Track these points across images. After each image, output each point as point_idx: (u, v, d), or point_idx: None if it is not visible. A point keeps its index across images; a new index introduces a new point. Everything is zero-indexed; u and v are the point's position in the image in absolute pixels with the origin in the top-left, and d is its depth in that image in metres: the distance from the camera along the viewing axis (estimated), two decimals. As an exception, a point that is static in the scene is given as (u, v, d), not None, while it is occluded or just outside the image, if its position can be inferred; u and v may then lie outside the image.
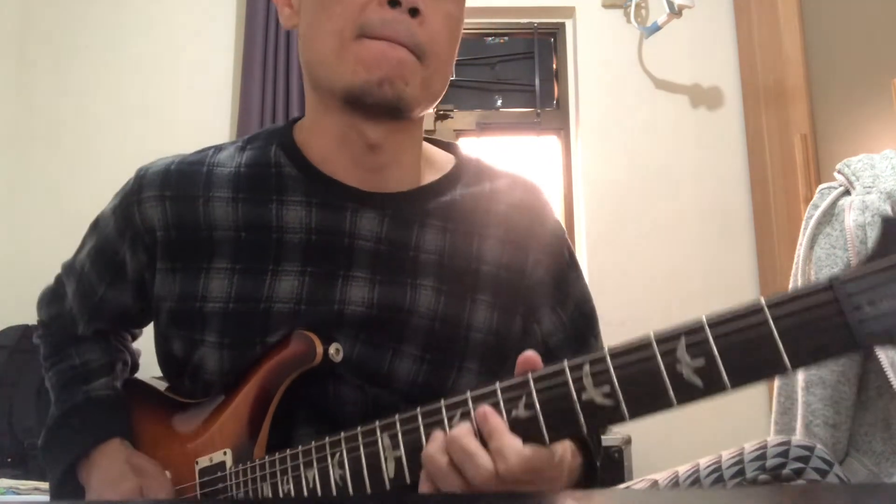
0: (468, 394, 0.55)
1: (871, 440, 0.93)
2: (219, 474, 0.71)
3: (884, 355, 0.89)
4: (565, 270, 0.82)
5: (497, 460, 0.51)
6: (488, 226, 0.78)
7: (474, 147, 2.72)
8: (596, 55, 2.63)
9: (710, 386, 0.45)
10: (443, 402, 0.56)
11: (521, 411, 0.52)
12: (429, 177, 0.79)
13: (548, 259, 0.80)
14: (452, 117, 2.66)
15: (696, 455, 0.71)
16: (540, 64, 2.72)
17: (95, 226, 0.84)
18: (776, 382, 1.06)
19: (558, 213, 2.63)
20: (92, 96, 2.55)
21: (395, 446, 0.57)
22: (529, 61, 2.74)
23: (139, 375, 0.92)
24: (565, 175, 2.67)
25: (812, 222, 1.02)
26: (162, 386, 0.84)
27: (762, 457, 0.63)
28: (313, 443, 0.63)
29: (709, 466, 0.67)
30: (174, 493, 0.74)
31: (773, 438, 0.65)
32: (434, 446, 0.53)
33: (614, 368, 0.49)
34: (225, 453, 0.71)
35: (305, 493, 0.62)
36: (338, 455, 0.61)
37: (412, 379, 0.72)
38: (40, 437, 0.83)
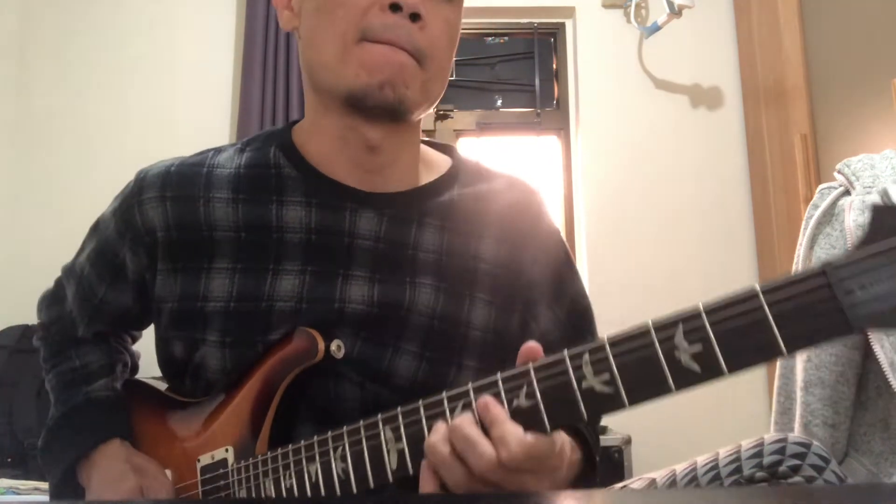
0: (469, 385, 0.55)
1: (871, 440, 0.93)
2: (220, 471, 0.72)
3: (883, 355, 0.89)
4: (561, 269, 0.83)
5: (499, 448, 0.51)
6: (485, 225, 0.79)
7: (474, 147, 2.72)
8: (596, 55, 2.64)
9: (708, 371, 0.46)
10: (444, 393, 0.56)
11: (522, 400, 0.52)
12: (426, 177, 0.80)
13: (544, 258, 0.81)
14: (452, 117, 2.66)
15: (695, 455, 0.71)
16: (540, 64, 2.72)
17: (95, 228, 0.85)
18: (776, 382, 1.06)
19: (558, 213, 2.64)
20: (92, 96, 2.55)
21: (398, 438, 0.57)
22: (529, 61, 2.74)
23: (139, 376, 0.92)
24: (565, 175, 2.67)
25: (812, 222, 1.02)
26: (162, 386, 0.84)
27: (759, 454, 0.64)
28: (315, 437, 0.64)
29: (706, 464, 0.67)
30: (175, 493, 0.74)
31: (770, 436, 0.65)
32: (436, 436, 0.54)
33: (613, 356, 0.49)
34: (227, 450, 0.72)
35: (308, 488, 0.63)
36: (340, 449, 0.61)
37: (412, 376, 0.73)
38: (40, 438, 0.83)
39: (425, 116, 0.79)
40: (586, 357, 0.50)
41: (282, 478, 0.65)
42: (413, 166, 0.80)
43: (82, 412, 0.81)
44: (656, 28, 2.49)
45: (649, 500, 0.53)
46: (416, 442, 0.56)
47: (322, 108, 0.75)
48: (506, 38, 2.78)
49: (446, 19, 0.73)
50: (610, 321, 0.68)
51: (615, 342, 0.50)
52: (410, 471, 0.57)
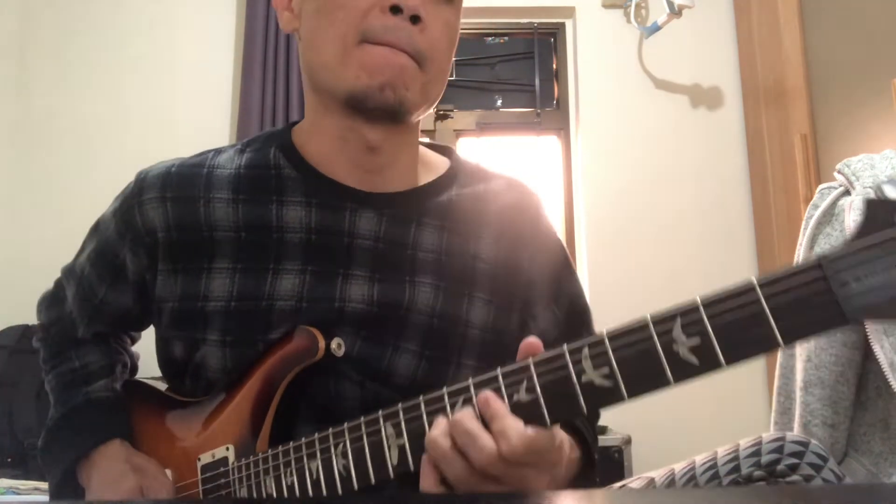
0: (470, 380, 0.56)
1: (870, 440, 0.93)
2: (221, 469, 0.72)
3: (883, 356, 0.89)
4: (560, 269, 0.84)
5: (500, 441, 0.51)
6: (484, 225, 0.80)
7: (474, 147, 2.72)
8: (596, 55, 2.64)
9: (707, 364, 0.46)
10: (445, 389, 0.57)
11: (522, 395, 0.53)
12: (425, 178, 0.81)
13: (543, 258, 0.82)
14: (452, 117, 2.66)
15: (695, 455, 0.71)
16: (540, 64, 2.72)
17: (96, 229, 0.85)
18: (776, 382, 1.06)
19: (558, 213, 2.64)
20: (92, 96, 2.55)
21: (399, 434, 0.58)
22: (529, 61, 2.74)
23: (138, 376, 0.92)
24: (565, 175, 2.67)
25: (812, 222, 1.02)
26: (162, 387, 0.84)
27: (757, 453, 0.64)
28: (316, 434, 0.64)
29: (705, 464, 0.67)
30: (175, 492, 0.74)
31: (768, 434, 0.66)
32: (437, 431, 0.54)
33: (613, 350, 0.50)
34: (227, 449, 0.72)
35: (309, 485, 0.63)
36: (341, 445, 0.61)
37: (411, 375, 0.73)
38: (40, 439, 0.83)
39: (425, 117, 0.80)
40: (586, 351, 0.51)
41: (283, 475, 0.65)
42: (412, 167, 0.80)
43: (82, 413, 0.81)
44: (656, 28, 2.49)
45: (649, 500, 0.53)
46: (417, 437, 0.56)
47: (322, 108, 0.76)
48: (506, 38, 2.78)
49: (446, 22, 0.74)
50: (610, 321, 0.68)
51: (614, 336, 0.50)
52: (411, 466, 0.57)
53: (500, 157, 2.73)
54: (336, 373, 0.72)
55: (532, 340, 0.55)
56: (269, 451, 0.68)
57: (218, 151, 0.82)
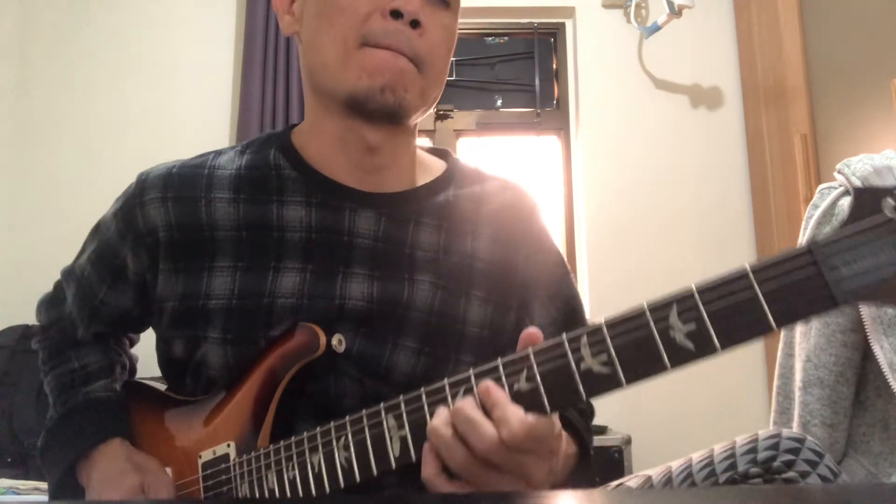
0: (471, 371, 0.56)
1: (870, 440, 0.93)
2: (222, 466, 0.72)
3: (882, 356, 0.89)
4: (555, 269, 0.86)
5: (500, 427, 0.52)
6: (480, 225, 0.81)
7: (474, 147, 2.72)
8: (596, 55, 2.64)
9: (702, 348, 0.48)
10: (446, 380, 0.57)
11: (522, 384, 0.54)
12: (422, 179, 0.82)
13: (538, 258, 0.84)
14: (452, 117, 2.67)
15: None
16: (540, 64, 2.72)
17: (96, 230, 0.85)
18: (775, 382, 1.06)
19: (558, 213, 2.64)
20: (92, 96, 2.55)
21: (401, 426, 0.58)
22: (529, 61, 2.74)
23: (137, 377, 0.92)
24: (565, 175, 2.67)
25: (812, 222, 1.02)
26: (161, 387, 0.84)
27: (753, 450, 0.64)
28: (318, 429, 0.64)
29: (701, 461, 0.68)
30: (176, 489, 0.75)
31: (764, 431, 0.66)
32: (439, 419, 0.55)
33: (611, 338, 0.51)
34: (228, 445, 0.72)
35: (311, 478, 0.63)
36: (343, 438, 0.62)
37: (410, 371, 0.74)
38: (39, 439, 0.83)
39: (424, 118, 0.81)
40: (584, 339, 0.52)
41: (284, 469, 0.66)
42: (410, 168, 0.82)
43: (82, 412, 0.82)
44: (656, 28, 2.49)
45: (649, 499, 0.53)
46: (419, 428, 0.57)
47: (322, 110, 0.77)
48: (506, 38, 2.78)
49: (444, 27, 0.76)
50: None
51: (612, 324, 0.51)
52: (413, 457, 0.57)
53: (500, 157, 2.73)
54: (336, 370, 0.72)
55: (532, 331, 0.56)
56: (271, 446, 0.68)
57: (218, 153, 0.83)
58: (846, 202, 0.98)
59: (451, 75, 0.81)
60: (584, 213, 2.53)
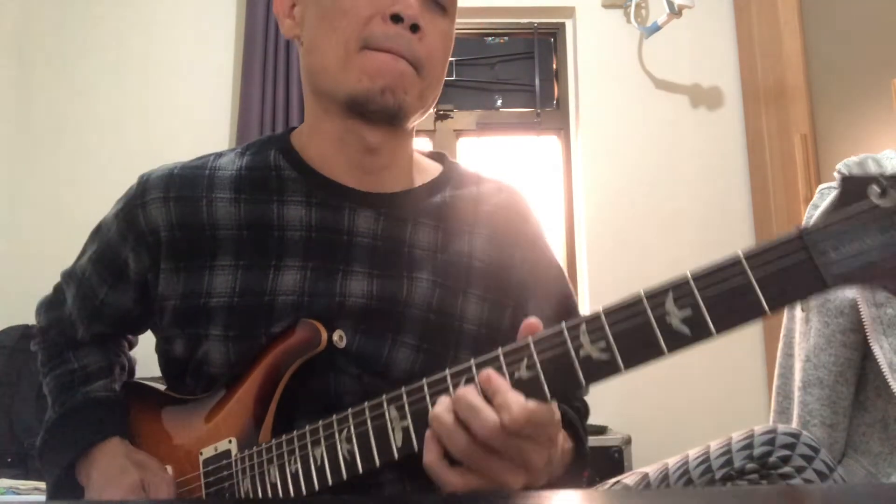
0: (472, 361, 0.57)
1: (869, 441, 0.93)
2: (223, 462, 0.72)
3: (882, 356, 0.89)
4: (550, 270, 0.87)
5: (501, 413, 0.53)
6: (477, 225, 0.83)
7: (474, 147, 2.72)
8: (596, 55, 2.64)
9: (698, 333, 0.49)
10: (448, 370, 0.58)
11: (523, 372, 0.55)
12: (420, 181, 0.84)
13: (533, 257, 0.85)
14: (452, 117, 2.67)
15: (693, 455, 0.71)
16: (540, 64, 2.72)
17: (97, 231, 0.86)
18: (774, 382, 1.06)
19: (558, 213, 2.64)
20: (92, 96, 2.55)
21: (403, 417, 0.59)
22: (529, 61, 2.74)
23: (137, 377, 0.92)
24: (565, 175, 2.67)
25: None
26: (161, 387, 0.84)
27: (749, 446, 0.65)
28: (321, 422, 0.65)
29: (698, 458, 0.68)
30: (176, 487, 0.75)
31: (759, 427, 0.66)
32: (440, 407, 0.56)
33: (609, 325, 0.52)
34: (230, 441, 0.72)
35: (313, 471, 0.63)
36: (345, 431, 0.62)
37: (409, 368, 0.75)
38: (38, 439, 0.83)
39: (423, 119, 0.83)
40: (583, 327, 0.53)
41: (286, 463, 0.66)
42: (408, 169, 0.84)
43: (81, 412, 0.82)
44: (656, 28, 2.49)
45: (649, 500, 0.53)
46: (421, 418, 0.58)
47: (322, 111, 0.78)
48: (506, 38, 2.78)
49: (443, 31, 0.78)
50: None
51: (610, 312, 0.52)
52: (416, 447, 0.58)
53: (500, 158, 2.73)
54: (335, 367, 0.73)
55: (532, 321, 0.57)
56: (273, 440, 0.68)
57: (218, 155, 0.84)
58: (846, 202, 0.98)
59: (450, 75, 0.82)
60: (584, 213, 2.53)
